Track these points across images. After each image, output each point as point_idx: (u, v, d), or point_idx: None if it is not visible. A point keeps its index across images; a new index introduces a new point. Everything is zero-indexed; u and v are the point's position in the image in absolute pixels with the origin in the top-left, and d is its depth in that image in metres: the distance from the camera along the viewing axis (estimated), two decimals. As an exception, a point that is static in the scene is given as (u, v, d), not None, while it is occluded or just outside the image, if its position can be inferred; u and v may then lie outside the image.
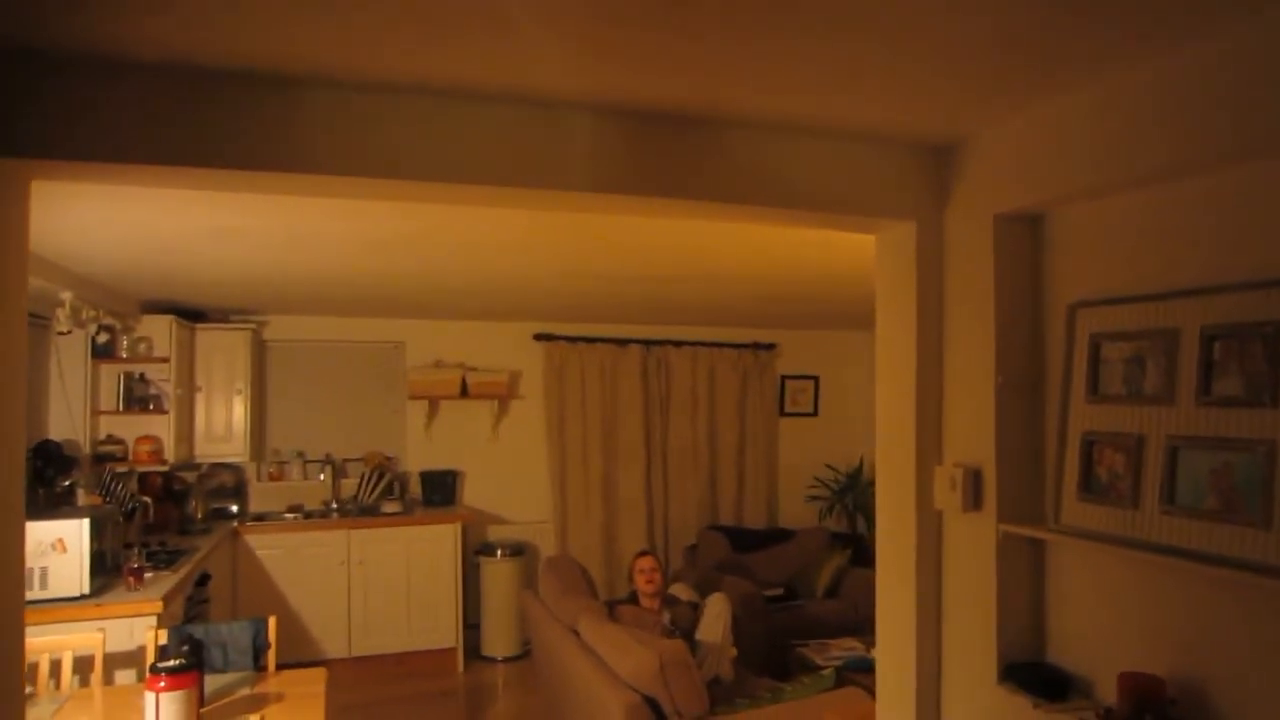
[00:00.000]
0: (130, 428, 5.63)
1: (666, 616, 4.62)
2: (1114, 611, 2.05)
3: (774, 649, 5.44)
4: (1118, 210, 2.07)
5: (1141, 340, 1.99)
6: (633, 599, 4.82)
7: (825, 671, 4.12)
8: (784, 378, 7.83)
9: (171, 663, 2.90)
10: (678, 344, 7.40)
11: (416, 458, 6.83)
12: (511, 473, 7.05)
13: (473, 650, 6.50)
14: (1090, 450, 2.08)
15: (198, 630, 3.64)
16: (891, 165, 2.40)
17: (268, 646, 3.67)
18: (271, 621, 3.70)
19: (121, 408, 5.58)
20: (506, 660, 6.48)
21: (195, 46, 1.74)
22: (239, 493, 6.39)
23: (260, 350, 6.51)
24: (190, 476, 6.20)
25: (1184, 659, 1.87)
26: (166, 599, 3.99)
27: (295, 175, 1.95)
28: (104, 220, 3.29)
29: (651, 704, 3.53)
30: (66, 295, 4.37)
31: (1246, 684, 1.75)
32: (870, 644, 4.95)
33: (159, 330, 5.61)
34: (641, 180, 2.17)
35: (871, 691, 3.96)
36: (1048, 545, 2.24)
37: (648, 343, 7.31)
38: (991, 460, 2.25)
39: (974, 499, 2.29)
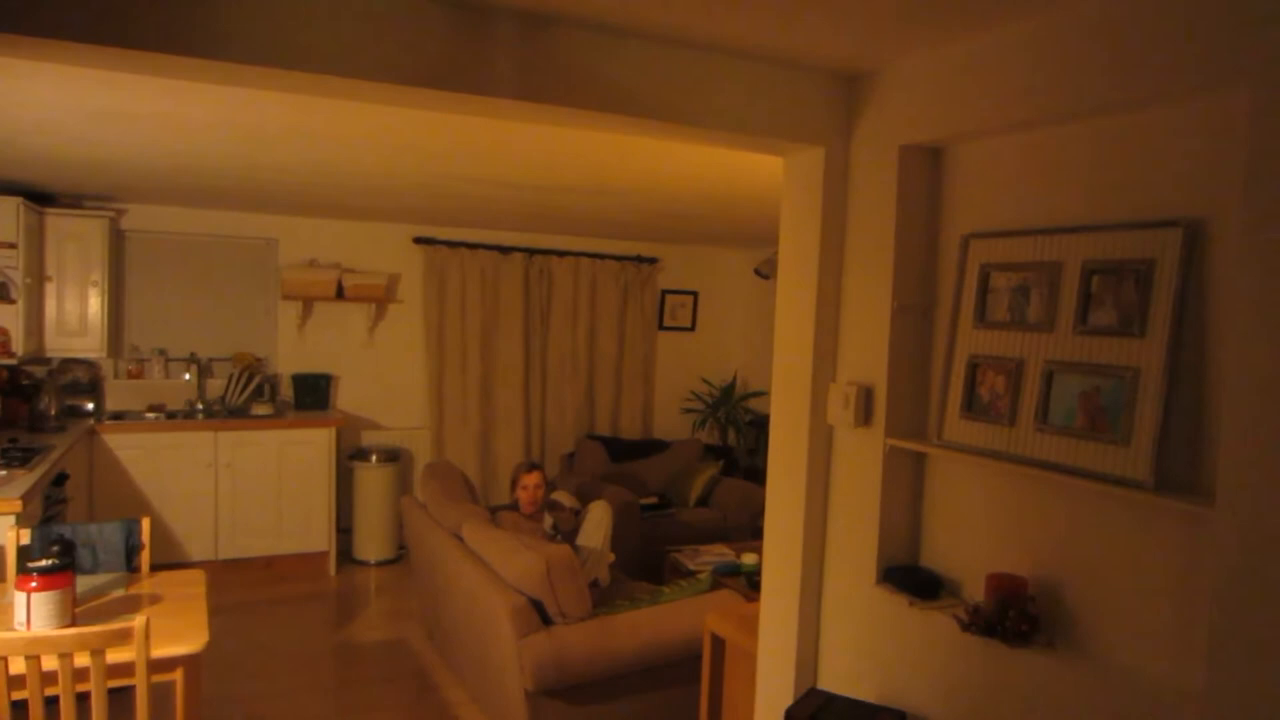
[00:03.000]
0: (-29, 317, 5.23)
1: (548, 522, 4.72)
2: (985, 519, 2.24)
3: (648, 554, 5.66)
4: (1013, 148, 2.19)
5: (1027, 271, 2.13)
6: (514, 506, 4.88)
7: (701, 575, 4.32)
8: (664, 292, 7.94)
9: (44, 562, 2.79)
10: (560, 254, 7.38)
11: (288, 360, 6.63)
12: (387, 378, 6.95)
13: (344, 554, 6.48)
14: (974, 372, 2.23)
15: (65, 530, 3.50)
16: (804, 91, 2.45)
17: (141, 547, 3.57)
18: (145, 522, 3.59)
19: (-39, 295, 5.17)
20: (380, 564, 6.49)
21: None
22: (94, 390, 6.05)
23: (118, 240, 6.11)
24: (40, 371, 5.83)
25: (1044, 561, 2.07)
26: (25, 498, 3.80)
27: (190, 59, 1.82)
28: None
29: (536, 606, 3.64)
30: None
31: (1095, 580, 1.96)
32: (740, 550, 5.22)
33: (4, 213, 5.15)
34: (533, 88, 2.12)
35: (742, 595, 4.21)
36: (929, 459, 2.42)
37: (530, 251, 7.25)
38: (883, 379, 2.39)
39: (865, 415, 2.43)
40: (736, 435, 7.74)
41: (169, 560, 5.53)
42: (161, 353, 6.29)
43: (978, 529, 2.27)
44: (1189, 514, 1.73)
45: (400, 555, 6.55)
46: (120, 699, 2.61)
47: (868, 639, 2.46)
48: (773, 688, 2.74)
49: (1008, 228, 2.20)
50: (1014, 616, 2.02)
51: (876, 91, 2.44)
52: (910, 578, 2.34)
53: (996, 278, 2.21)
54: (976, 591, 2.21)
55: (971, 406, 2.23)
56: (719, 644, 3.24)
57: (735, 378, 8.00)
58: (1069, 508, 2.03)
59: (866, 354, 2.46)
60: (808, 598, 2.61)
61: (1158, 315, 1.81)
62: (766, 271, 6.89)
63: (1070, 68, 1.90)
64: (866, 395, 2.43)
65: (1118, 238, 1.93)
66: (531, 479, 4.76)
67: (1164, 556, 1.81)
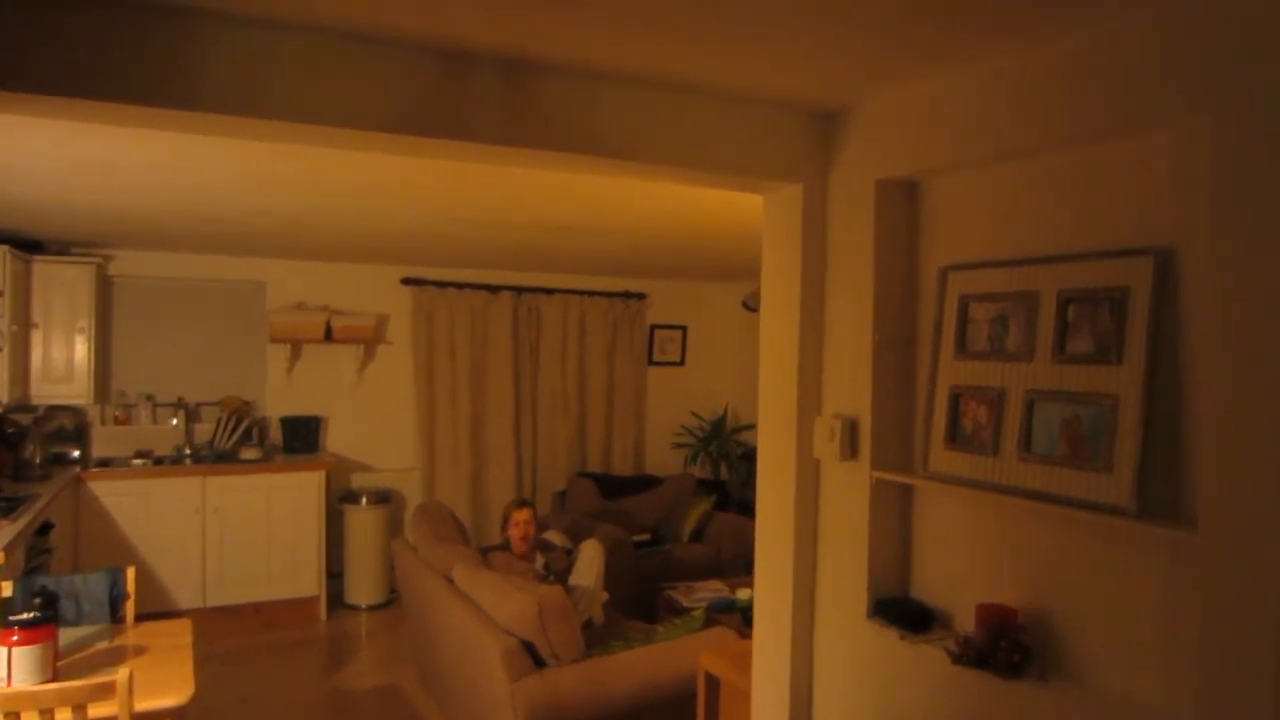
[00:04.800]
0: (-43, 367, 5.20)
1: (540, 562, 4.68)
2: (973, 550, 2.24)
3: (642, 591, 5.61)
4: (988, 180, 2.22)
5: (1005, 301, 2.15)
6: (505, 546, 4.85)
7: (695, 612, 4.28)
8: (653, 327, 7.96)
9: (25, 615, 2.75)
10: (549, 291, 7.40)
11: (277, 403, 6.60)
12: (377, 419, 6.92)
13: (335, 599, 6.41)
14: (957, 403, 2.24)
15: (48, 581, 3.46)
16: (780, 130, 2.48)
17: (126, 597, 3.53)
18: (130, 572, 3.55)
19: (-53, 345, 5.14)
20: (371, 608, 6.42)
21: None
22: (80, 437, 6.01)
23: (105, 286, 6.11)
24: (25, 419, 5.79)
25: (1033, 590, 2.07)
26: (8, 549, 3.76)
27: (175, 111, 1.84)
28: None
29: (528, 648, 3.60)
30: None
31: (1084, 607, 1.96)
32: (734, 585, 5.18)
33: (-10, 262, 5.18)
34: (514, 132, 2.15)
35: (737, 631, 4.17)
36: (916, 490, 2.41)
37: (518, 289, 7.27)
38: (867, 412, 2.39)
39: (850, 448, 2.43)
40: (729, 469, 7.72)
41: (156, 608, 5.46)
42: (149, 398, 6.26)
43: (966, 559, 2.26)
44: (1173, 539, 1.73)
45: (392, 599, 6.48)
46: (104, 754, 2.56)
47: (861, 674, 2.44)
48: (766, 726, 2.71)
49: (984, 259, 2.22)
50: (1005, 647, 2.01)
51: (852, 127, 2.47)
52: (901, 610, 2.32)
53: (975, 308, 2.23)
54: (967, 622, 2.19)
55: (955, 437, 2.23)
56: (713, 683, 3.21)
57: (726, 411, 7.99)
58: (1055, 536, 2.02)
59: (850, 387, 2.46)
60: (800, 634, 2.59)
61: (1133, 342, 1.82)
62: (754, 304, 6.91)
63: (1040, 101, 1.93)
64: (851, 428, 2.43)
65: (1091, 267, 1.95)
66: (522, 515, 4.73)
67: (1150, 582, 1.81)
